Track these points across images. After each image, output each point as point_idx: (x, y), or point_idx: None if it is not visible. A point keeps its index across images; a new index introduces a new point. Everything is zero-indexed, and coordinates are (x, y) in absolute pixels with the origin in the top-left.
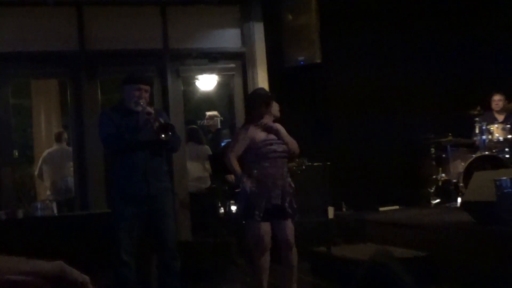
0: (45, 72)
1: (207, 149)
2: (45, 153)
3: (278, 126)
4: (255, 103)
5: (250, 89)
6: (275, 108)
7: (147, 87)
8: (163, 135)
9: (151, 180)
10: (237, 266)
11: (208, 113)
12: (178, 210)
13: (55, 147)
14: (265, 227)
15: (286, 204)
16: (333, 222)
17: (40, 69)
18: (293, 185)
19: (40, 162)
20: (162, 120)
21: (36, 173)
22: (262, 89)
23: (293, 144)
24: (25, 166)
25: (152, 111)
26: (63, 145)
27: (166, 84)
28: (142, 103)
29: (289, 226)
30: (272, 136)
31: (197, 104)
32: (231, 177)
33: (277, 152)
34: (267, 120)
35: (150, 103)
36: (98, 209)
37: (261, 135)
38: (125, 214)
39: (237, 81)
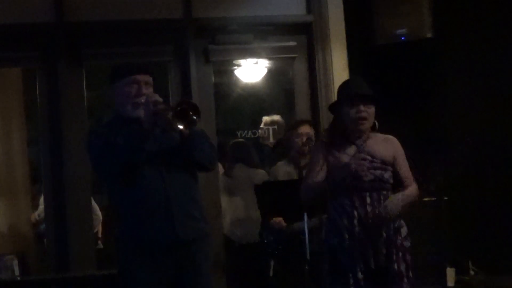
0: (3, 57)
1: (263, 175)
2: None
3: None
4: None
5: (320, 79)
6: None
7: (147, 78)
8: (182, 127)
9: (178, 216)
10: None
11: (266, 118)
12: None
13: None
14: None
15: (394, 265)
16: None
17: None
18: (405, 234)
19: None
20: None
21: (36, 217)
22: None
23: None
24: None
25: (160, 99)
26: None
27: (188, 74)
28: (143, 101)
29: None
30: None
31: (236, 105)
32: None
33: (372, 182)
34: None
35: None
36: (81, 271)
37: (343, 157)
38: (140, 277)
39: (300, 68)
